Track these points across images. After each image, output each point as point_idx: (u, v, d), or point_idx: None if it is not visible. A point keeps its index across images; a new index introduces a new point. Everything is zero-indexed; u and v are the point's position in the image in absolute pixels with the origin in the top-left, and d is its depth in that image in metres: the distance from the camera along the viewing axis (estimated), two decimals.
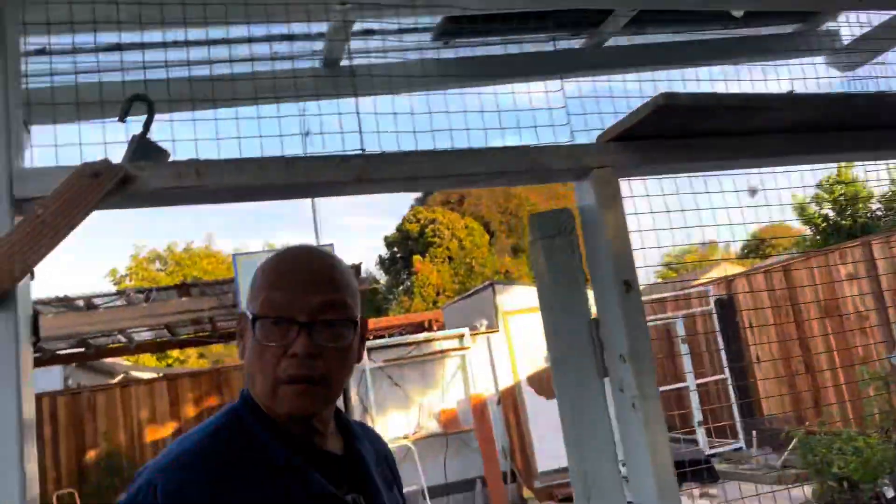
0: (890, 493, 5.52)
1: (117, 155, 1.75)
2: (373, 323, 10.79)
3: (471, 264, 29.33)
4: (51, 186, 1.53)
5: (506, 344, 8.88)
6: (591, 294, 2.00)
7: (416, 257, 29.69)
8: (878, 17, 2.88)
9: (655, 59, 2.64)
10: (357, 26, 2.32)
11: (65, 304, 7.04)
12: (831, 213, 12.73)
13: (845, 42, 2.97)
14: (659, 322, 9.30)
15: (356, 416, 7.95)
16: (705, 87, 2.46)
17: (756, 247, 20.45)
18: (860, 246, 7.87)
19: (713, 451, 8.53)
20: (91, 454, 9.18)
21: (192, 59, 2.04)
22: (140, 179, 1.61)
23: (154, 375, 12.62)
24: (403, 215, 32.35)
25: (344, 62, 2.37)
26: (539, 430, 8.43)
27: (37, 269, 1.57)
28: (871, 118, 2.21)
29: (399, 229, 32.27)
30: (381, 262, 33.44)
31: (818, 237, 12.65)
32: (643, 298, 1.91)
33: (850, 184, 11.95)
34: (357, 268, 7.32)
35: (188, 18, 1.91)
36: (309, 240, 11.04)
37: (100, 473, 8.96)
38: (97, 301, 7.26)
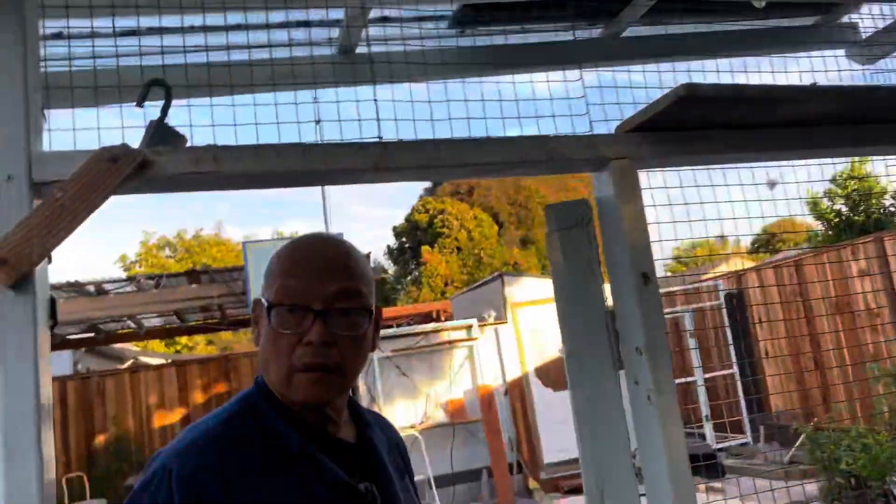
0: None
1: (135, 140, 1.75)
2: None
3: (479, 255, 29.28)
4: (69, 170, 1.53)
5: (514, 335, 8.87)
6: (606, 286, 1.99)
7: (425, 248, 29.64)
8: None
9: (675, 50, 2.60)
10: (374, 13, 2.31)
11: (76, 289, 7.09)
12: (844, 209, 12.62)
13: (866, 34, 2.93)
14: (668, 315, 9.27)
15: (364, 405, 7.94)
16: (725, 79, 2.43)
17: (767, 241, 20.31)
18: (873, 242, 7.80)
19: (720, 445, 8.51)
20: (100, 439, 9.26)
21: (210, 45, 2.03)
22: (158, 164, 1.61)
23: (163, 361, 12.70)
24: (412, 205, 32.32)
25: (360, 49, 2.36)
26: (546, 421, 8.43)
27: (54, 254, 1.57)
28: (893, 111, 2.18)
29: (408, 219, 32.21)
30: (390, 252, 33.43)
31: (830, 233, 12.55)
32: None
33: (864, 179, 11.83)
34: (366, 257, 7.31)
35: (206, 4, 1.91)
36: (318, 228, 11.04)
37: (108, 458, 9.05)
38: (108, 287, 7.31)
